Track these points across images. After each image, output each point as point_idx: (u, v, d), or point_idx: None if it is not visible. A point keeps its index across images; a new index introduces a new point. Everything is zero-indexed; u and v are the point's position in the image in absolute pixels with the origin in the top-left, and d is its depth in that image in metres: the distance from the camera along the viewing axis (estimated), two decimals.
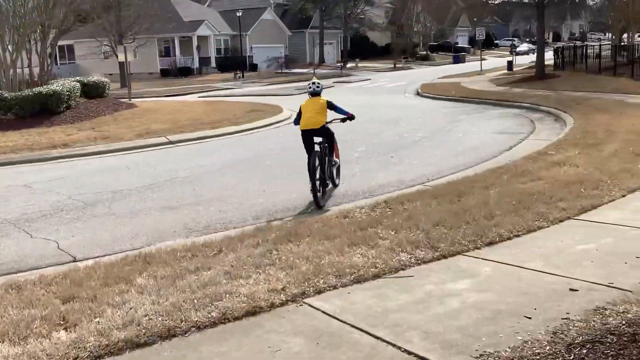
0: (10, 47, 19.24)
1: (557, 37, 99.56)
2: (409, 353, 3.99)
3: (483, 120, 17.87)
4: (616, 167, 9.15)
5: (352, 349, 4.10)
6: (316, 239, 6.53)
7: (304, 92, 33.61)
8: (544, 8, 29.93)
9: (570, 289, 4.84)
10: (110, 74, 54.98)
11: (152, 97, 32.75)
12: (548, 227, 6.64)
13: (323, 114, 8.93)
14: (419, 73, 50.46)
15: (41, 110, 18.01)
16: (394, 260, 5.83)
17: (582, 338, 3.90)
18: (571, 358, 3.67)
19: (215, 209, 8.74)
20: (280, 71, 54.97)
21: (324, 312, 4.69)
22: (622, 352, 3.65)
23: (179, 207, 9.02)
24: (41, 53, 21.17)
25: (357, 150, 13.32)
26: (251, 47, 58.55)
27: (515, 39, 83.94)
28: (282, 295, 5.04)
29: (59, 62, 57.74)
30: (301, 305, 4.87)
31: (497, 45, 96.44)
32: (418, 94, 29.28)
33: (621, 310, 4.31)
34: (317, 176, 8.57)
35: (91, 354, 4.22)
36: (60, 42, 56.03)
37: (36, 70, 21.44)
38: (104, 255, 6.78)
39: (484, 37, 44.72)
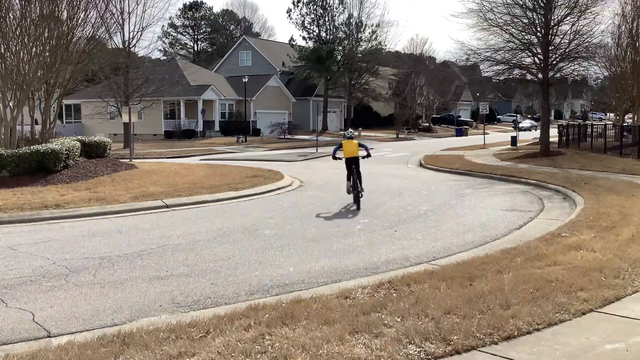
0: (11, 104, 19.16)
1: (558, 115, 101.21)
2: None
3: (490, 195, 17.63)
4: (636, 254, 8.72)
5: None
6: (314, 322, 6.09)
7: (307, 159, 35.24)
8: (549, 86, 29.85)
9: None
10: (115, 134, 55.35)
11: (154, 159, 32.65)
12: (570, 320, 6.19)
13: (357, 150, 16.16)
14: (421, 144, 50.60)
15: (38, 168, 17.75)
16: (400, 354, 5.29)
17: None
18: None
19: (207, 281, 8.39)
20: (283, 137, 55.31)
21: None
22: None
23: (168, 277, 8.62)
24: (44, 111, 20.76)
25: (360, 222, 12.98)
26: (255, 112, 59.15)
27: (518, 114, 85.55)
28: None
29: (64, 120, 58.09)
30: None
31: (499, 120, 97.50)
32: (421, 165, 29.15)
33: None
34: (352, 189, 15.45)
35: None
36: (67, 101, 56.59)
37: (39, 128, 20.95)
38: (81, 331, 6.35)
39: (487, 112, 44.32)
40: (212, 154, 38.63)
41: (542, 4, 28.36)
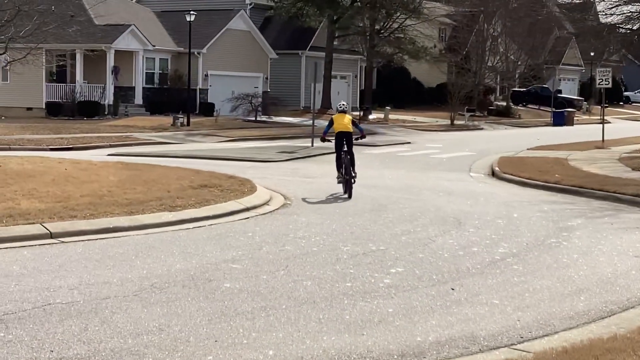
0: None
1: None
2: None
3: (615, 230, 16.43)
4: None
5: None
6: None
7: (296, 158, 32.07)
8: None
9: None
10: None
11: (28, 151, 29.76)
12: None
13: (350, 125, 18.99)
14: (493, 138, 46.89)
15: None
16: None
17: None
18: None
19: None
20: (253, 119, 49.08)
21: None
22: None
23: None
24: None
25: (390, 271, 11.99)
26: (206, 75, 51.90)
27: None
28: None
29: None
30: None
31: (628, 101, 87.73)
32: (494, 174, 26.78)
33: None
34: (344, 173, 18.04)
35: None
36: None
37: None
38: None
39: (609, 85, 37.91)
40: (130, 144, 34.68)
41: None
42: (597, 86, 41.24)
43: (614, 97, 78.73)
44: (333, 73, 56.29)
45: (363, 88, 59.55)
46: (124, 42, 47.26)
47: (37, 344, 8.51)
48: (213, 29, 51.28)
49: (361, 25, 56.47)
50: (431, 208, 18.49)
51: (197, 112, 48.77)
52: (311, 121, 38.14)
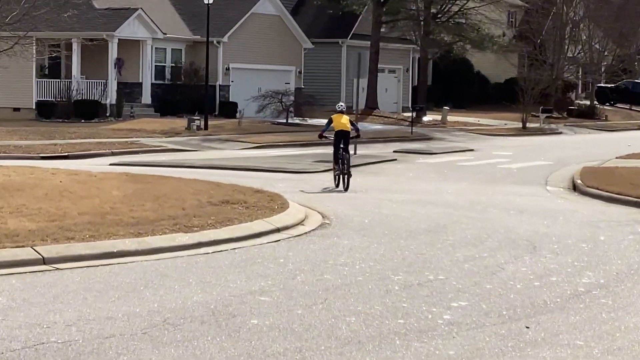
0: None
1: None
2: None
3: None
4: None
5: None
6: None
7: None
8: None
9: None
10: None
11: (15, 160, 29.55)
12: None
13: (348, 125, 23.98)
14: (575, 144, 46.65)
15: None
16: None
17: None
18: None
19: None
20: (284, 121, 48.98)
21: None
22: None
23: None
24: None
25: (450, 306, 11.74)
26: (227, 69, 51.63)
27: None
28: None
29: None
30: None
31: None
32: (575, 187, 26.60)
33: None
34: (340, 169, 23.21)
35: None
36: None
37: None
38: None
39: None
40: (136, 152, 34.87)
41: None
42: None
43: None
44: (380, 66, 55.77)
45: (416, 84, 59.49)
46: (129, 29, 46.89)
47: None
48: (235, 13, 50.86)
49: (414, 8, 56.14)
50: (500, 229, 18.42)
51: (216, 113, 48.54)
52: (356, 132, 38.72)
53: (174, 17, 51.85)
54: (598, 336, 10.55)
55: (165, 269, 13.95)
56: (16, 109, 46.25)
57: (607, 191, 24.50)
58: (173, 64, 51.01)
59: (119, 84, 47.25)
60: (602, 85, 71.31)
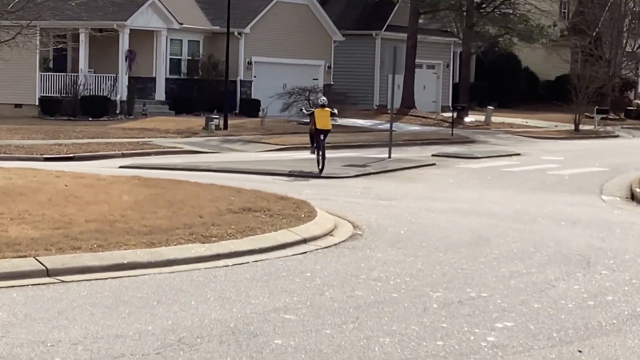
0: None
1: None
2: None
3: None
4: None
5: None
6: None
7: (368, 174, 32.67)
8: None
9: None
10: None
11: (17, 161, 29.07)
12: None
13: (330, 124, 27.58)
14: (634, 148, 46.20)
15: None
16: None
17: None
18: None
19: None
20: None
21: None
22: None
23: None
24: None
25: (495, 326, 11.19)
26: (249, 62, 50.86)
27: None
28: None
29: None
30: None
31: None
32: (633, 197, 25.89)
33: None
34: (321, 155, 26.86)
35: None
36: None
37: None
38: None
39: None
40: (149, 153, 34.55)
41: None
42: None
43: None
44: (417, 61, 54.89)
45: (457, 81, 58.90)
46: (142, 18, 46.18)
47: None
48: (259, 1, 50.43)
49: (454, 1, 56.13)
50: (549, 242, 18.02)
51: (236, 111, 48.07)
52: (388, 124, 37.68)
53: (192, 5, 50.98)
54: None
55: (181, 283, 13.66)
56: (18, 106, 45.63)
57: None
58: (190, 57, 50.07)
59: (130, 78, 46.30)
60: None
